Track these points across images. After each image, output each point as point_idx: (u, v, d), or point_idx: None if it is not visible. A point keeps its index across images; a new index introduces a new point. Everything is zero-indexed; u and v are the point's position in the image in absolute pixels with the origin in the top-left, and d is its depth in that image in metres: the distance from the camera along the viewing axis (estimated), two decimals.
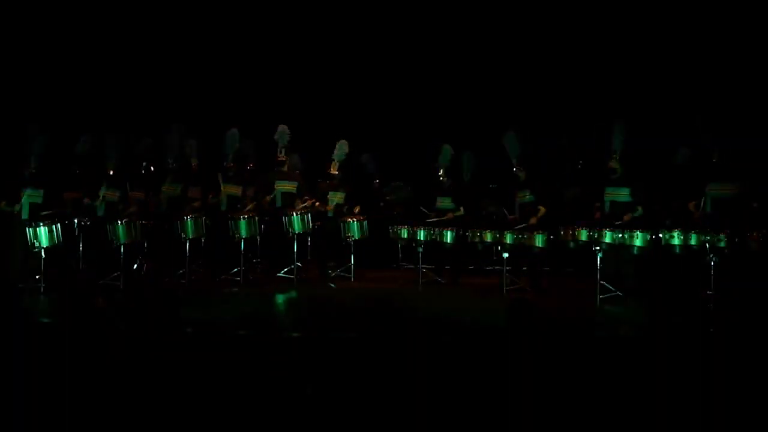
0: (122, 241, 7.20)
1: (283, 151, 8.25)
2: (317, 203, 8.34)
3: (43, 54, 9.83)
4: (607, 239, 6.61)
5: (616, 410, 3.78)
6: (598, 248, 6.62)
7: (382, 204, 9.60)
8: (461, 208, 8.25)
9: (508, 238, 7.32)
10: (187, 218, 7.60)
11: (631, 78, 9.47)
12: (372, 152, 9.95)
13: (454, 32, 10.47)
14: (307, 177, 9.00)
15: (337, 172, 8.41)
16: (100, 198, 7.39)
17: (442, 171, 8.32)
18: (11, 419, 3.60)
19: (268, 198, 8.27)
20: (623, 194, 6.96)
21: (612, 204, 7.00)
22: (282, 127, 8.31)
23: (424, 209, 8.32)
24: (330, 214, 8.35)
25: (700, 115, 6.97)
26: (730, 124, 7.06)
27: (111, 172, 7.50)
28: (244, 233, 7.78)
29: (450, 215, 8.17)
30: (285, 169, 8.32)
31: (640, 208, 6.85)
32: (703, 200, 6.86)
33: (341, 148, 8.44)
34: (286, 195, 8.23)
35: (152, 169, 8.89)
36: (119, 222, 7.18)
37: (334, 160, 8.40)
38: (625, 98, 9.21)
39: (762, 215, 6.64)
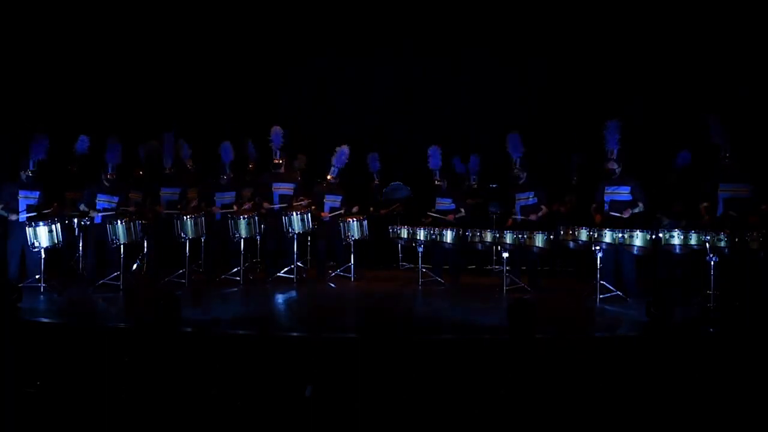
0: (122, 241, 7.18)
1: (279, 153, 8.21)
2: (313, 206, 8.31)
3: (43, 55, 9.83)
4: (607, 239, 6.60)
5: (616, 410, 3.78)
6: (598, 248, 6.61)
7: (382, 203, 9.61)
8: (462, 210, 8.24)
9: (508, 238, 7.32)
10: (187, 218, 7.60)
11: (636, 77, 9.45)
12: (373, 152, 9.98)
13: (454, 32, 10.48)
14: (306, 178, 9.00)
15: (335, 178, 8.39)
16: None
17: (437, 174, 8.33)
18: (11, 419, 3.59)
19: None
20: (623, 192, 6.96)
21: (612, 203, 6.99)
22: (276, 129, 8.27)
23: (430, 213, 8.30)
24: (326, 219, 8.34)
25: (712, 115, 6.92)
26: (742, 125, 6.97)
27: (108, 176, 7.46)
28: (244, 233, 7.79)
29: (450, 216, 8.17)
30: (282, 170, 8.30)
31: (641, 204, 6.85)
32: (707, 203, 6.86)
33: (341, 155, 8.41)
34: (283, 196, 8.22)
35: (141, 174, 8.91)
36: (119, 222, 7.17)
37: (333, 166, 8.38)
38: (627, 98, 9.21)
39: None
